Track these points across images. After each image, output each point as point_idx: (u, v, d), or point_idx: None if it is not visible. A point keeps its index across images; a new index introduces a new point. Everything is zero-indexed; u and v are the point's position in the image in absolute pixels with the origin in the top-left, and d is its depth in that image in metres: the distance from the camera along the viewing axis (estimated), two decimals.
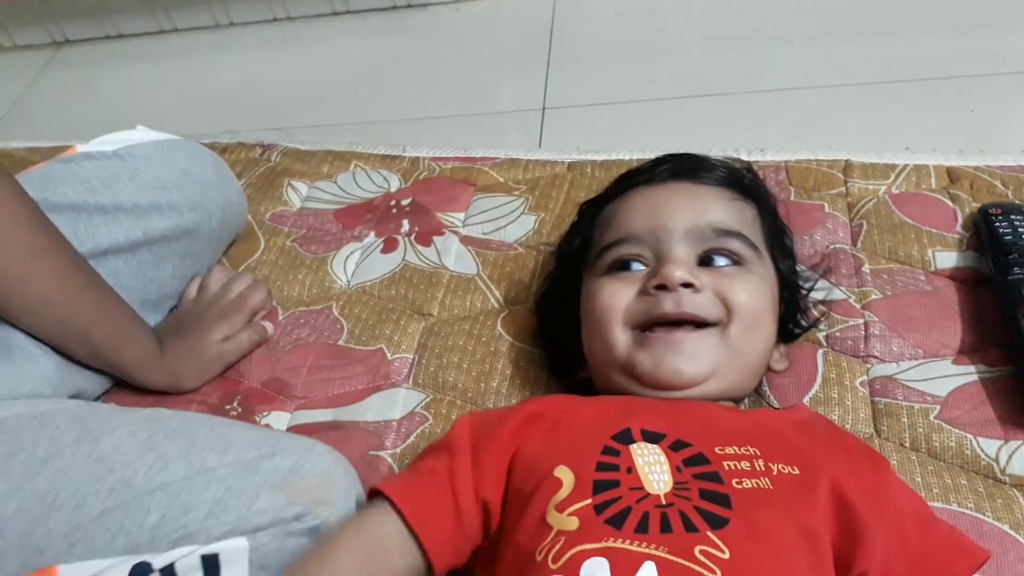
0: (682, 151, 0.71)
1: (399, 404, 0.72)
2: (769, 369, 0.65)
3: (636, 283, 0.60)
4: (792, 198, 0.85)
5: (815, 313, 0.72)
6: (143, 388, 0.73)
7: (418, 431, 0.69)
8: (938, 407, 0.65)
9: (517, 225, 0.87)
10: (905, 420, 0.64)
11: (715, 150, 0.79)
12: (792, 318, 0.67)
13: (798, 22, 1.15)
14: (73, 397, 0.70)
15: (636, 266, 0.61)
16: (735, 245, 0.60)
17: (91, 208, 0.72)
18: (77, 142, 0.82)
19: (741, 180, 0.67)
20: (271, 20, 1.33)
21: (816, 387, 0.68)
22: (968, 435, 0.62)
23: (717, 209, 0.62)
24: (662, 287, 0.58)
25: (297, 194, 0.95)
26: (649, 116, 1.02)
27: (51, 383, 0.67)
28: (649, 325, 0.58)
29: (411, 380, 0.74)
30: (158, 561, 0.53)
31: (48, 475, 0.56)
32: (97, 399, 0.73)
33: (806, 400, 0.67)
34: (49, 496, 0.55)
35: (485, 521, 0.53)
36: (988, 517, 0.58)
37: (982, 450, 0.62)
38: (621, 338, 0.59)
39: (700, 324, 0.58)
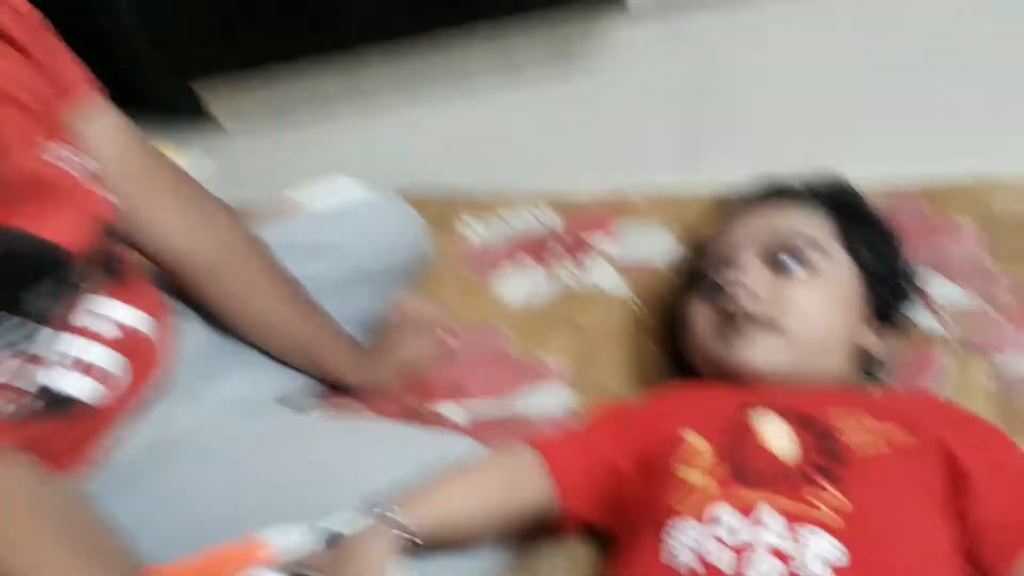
0: None
1: (559, 403, 0.85)
2: (868, 352, 0.71)
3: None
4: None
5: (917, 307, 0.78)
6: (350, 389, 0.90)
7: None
8: None
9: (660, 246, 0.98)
10: None
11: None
12: (885, 305, 0.73)
13: None
14: (282, 397, 0.88)
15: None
16: (795, 245, 0.69)
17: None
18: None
19: (810, 190, 0.76)
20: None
21: (939, 382, 0.73)
22: None
23: (778, 219, 0.72)
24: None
25: (471, 230, 1.12)
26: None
27: (266, 385, 0.86)
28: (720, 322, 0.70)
29: (569, 383, 0.87)
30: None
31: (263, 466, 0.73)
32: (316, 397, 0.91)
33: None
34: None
35: (617, 481, 0.64)
36: None
37: None
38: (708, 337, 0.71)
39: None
